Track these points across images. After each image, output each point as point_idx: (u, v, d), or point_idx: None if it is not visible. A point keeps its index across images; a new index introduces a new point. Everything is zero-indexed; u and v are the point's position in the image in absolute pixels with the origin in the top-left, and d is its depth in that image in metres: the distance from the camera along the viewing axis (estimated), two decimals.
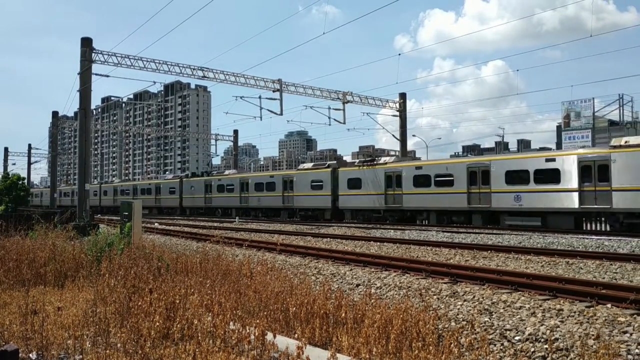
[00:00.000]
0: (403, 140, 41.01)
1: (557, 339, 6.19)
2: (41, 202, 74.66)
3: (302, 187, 35.44)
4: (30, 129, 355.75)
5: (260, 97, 34.54)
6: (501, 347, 6.44)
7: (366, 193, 31.18)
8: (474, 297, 8.29)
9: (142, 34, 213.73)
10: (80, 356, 5.25)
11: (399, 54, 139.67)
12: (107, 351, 5.10)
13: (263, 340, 5.17)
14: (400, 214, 29.97)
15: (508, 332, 6.72)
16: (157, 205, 53.55)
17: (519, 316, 7.15)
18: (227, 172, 48.58)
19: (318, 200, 34.33)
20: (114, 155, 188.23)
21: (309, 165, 36.84)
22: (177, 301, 6.42)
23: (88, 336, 5.72)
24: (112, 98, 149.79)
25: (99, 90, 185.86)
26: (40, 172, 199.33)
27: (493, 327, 6.93)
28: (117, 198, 58.73)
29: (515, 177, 24.24)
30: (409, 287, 9.47)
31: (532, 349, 6.18)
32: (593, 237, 18.47)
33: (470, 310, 7.70)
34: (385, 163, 30.90)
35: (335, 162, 37.90)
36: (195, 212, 47.42)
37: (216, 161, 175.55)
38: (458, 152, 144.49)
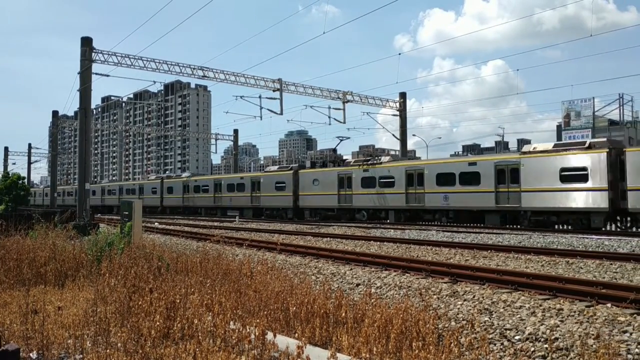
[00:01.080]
0: (403, 139, 41.05)
1: (557, 339, 6.20)
2: (42, 201, 74.26)
3: (537, 179, 23.36)
4: (30, 129, 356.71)
5: (260, 97, 34.66)
6: (501, 347, 6.45)
7: None
8: (474, 296, 8.29)
9: (142, 34, 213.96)
10: (81, 356, 5.26)
11: (399, 54, 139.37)
12: (108, 351, 5.10)
13: (263, 340, 5.18)
14: None
15: (508, 331, 6.73)
16: (254, 205, 39.93)
17: (519, 316, 7.15)
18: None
19: (574, 199, 22.14)
20: (114, 155, 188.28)
21: (549, 145, 24.21)
22: (178, 301, 6.43)
23: (88, 336, 5.72)
24: (112, 97, 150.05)
25: (99, 90, 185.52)
26: (40, 172, 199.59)
27: (493, 327, 6.94)
28: (189, 196, 47.88)
29: None
30: (409, 286, 9.47)
31: (532, 349, 6.18)
32: (593, 236, 18.46)
33: (470, 309, 7.70)
34: None
35: (604, 140, 23.71)
36: (318, 215, 35.00)
37: (216, 160, 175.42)
38: (458, 152, 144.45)
